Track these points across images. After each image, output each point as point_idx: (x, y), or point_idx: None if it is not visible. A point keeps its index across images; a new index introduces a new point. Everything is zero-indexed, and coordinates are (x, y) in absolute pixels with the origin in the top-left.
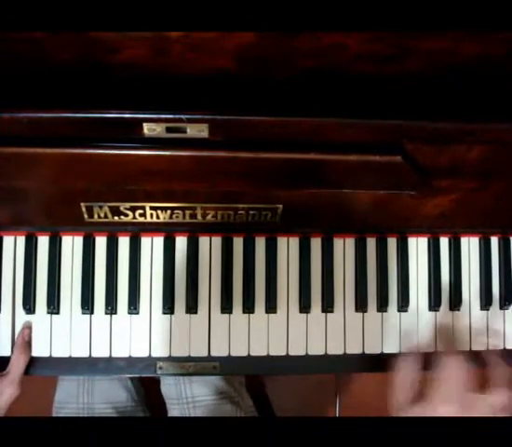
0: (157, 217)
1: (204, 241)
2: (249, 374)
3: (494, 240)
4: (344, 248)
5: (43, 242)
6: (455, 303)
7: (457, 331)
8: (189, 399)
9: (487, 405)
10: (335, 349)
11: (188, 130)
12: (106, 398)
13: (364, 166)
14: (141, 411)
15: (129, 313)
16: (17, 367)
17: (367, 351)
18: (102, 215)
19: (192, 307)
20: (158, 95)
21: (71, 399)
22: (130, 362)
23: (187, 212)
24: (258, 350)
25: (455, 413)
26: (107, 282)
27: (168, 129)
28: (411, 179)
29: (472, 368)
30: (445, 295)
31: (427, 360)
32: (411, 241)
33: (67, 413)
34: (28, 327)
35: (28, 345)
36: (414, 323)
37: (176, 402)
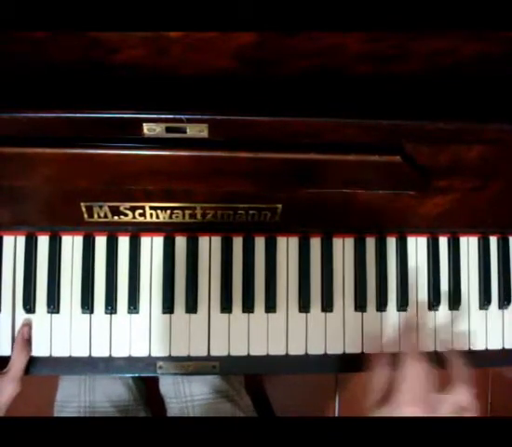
0: (157, 217)
1: (203, 241)
2: (248, 374)
3: (493, 240)
4: (344, 247)
5: (43, 242)
6: (454, 302)
7: (455, 331)
8: (187, 397)
9: (451, 405)
10: (335, 349)
11: (188, 130)
12: (107, 396)
13: (363, 166)
14: (143, 409)
15: (129, 312)
16: (17, 365)
17: (366, 351)
18: (102, 215)
19: (191, 307)
20: (158, 95)
21: (72, 398)
22: (130, 362)
23: (187, 212)
24: (257, 350)
25: (420, 414)
26: (107, 282)
27: (168, 129)
28: (411, 179)
29: (438, 368)
30: (444, 295)
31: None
32: (411, 241)
33: (68, 412)
34: (27, 325)
35: (28, 342)
36: (414, 323)
37: (175, 401)
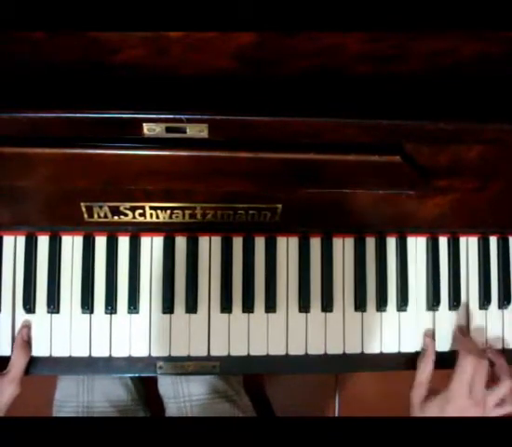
0: (157, 217)
1: (203, 241)
2: (248, 374)
3: (493, 240)
4: (344, 247)
5: (43, 242)
6: (454, 302)
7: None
8: (186, 397)
9: (495, 396)
10: (334, 349)
11: (188, 130)
12: (106, 396)
13: (363, 166)
14: (142, 409)
15: (129, 312)
16: (17, 366)
17: (366, 351)
18: (102, 215)
19: (191, 307)
20: (158, 95)
21: (71, 398)
22: (130, 362)
23: (187, 212)
24: (257, 350)
25: (470, 407)
26: (107, 282)
27: (168, 129)
28: (411, 179)
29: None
30: (444, 295)
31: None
32: (411, 241)
33: (67, 412)
34: (27, 326)
35: (27, 344)
36: (414, 323)
37: (173, 401)
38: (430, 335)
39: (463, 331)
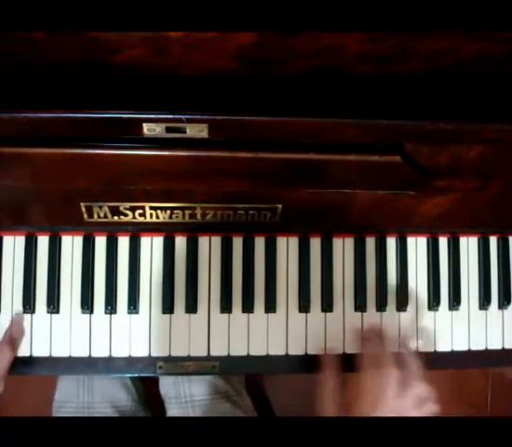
0: (157, 217)
1: (203, 241)
2: (248, 374)
3: (493, 240)
4: (344, 247)
5: (43, 242)
6: (454, 302)
7: (455, 331)
8: (187, 398)
9: (411, 398)
10: (335, 349)
11: (188, 130)
12: (106, 397)
13: (363, 166)
14: (142, 410)
15: (129, 313)
16: (1, 361)
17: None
18: (102, 215)
19: (191, 307)
20: (158, 95)
21: (71, 398)
22: (130, 362)
23: (187, 212)
24: (257, 350)
25: (388, 413)
26: (107, 282)
27: (168, 129)
28: (411, 179)
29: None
30: (444, 295)
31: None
32: (411, 241)
33: (67, 412)
34: (17, 323)
35: (14, 341)
36: (414, 323)
37: (175, 401)
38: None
39: (373, 332)
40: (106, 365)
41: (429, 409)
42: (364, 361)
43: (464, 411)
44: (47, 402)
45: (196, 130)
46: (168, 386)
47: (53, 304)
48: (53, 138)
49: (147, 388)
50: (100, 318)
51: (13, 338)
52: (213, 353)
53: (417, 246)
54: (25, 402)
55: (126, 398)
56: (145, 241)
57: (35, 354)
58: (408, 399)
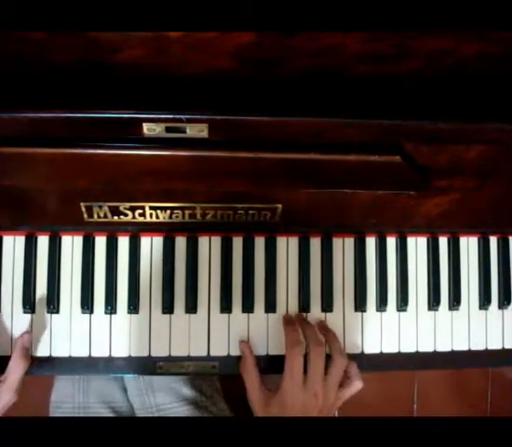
0: (157, 217)
1: (203, 241)
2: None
3: (493, 240)
4: (344, 247)
5: (43, 242)
6: (454, 302)
7: (455, 331)
8: (153, 408)
9: (335, 380)
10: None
11: (188, 130)
12: (101, 397)
13: (363, 166)
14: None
15: (129, 313)
16: (15, 373)
17: (366, 351)
18: (102, 215)
19: (191, 307)
20: (158, 95)
21: (66, 399)
22: (130, 362)
23: (187, 212)
24: (257, 350)
25: (310, 399)
26: (107, 282)
27: (168, 129)
28: (410, 179)
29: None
30: (444, 295)
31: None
32: (411, 241)
33: (63, 413)
34: (27, 332)
35: (27, 350)
36: (414, 323)
37: (142, 412)
38: (245, 340)
39: (290, 319)
40: (106, 365)
41: (355, 387)
42: (286, 342)
43: (464, 411)
44: (45, 403)
45: (196, 130)
46: (133, 397)
47: (53, 304)
48: (53, 138)
49: None
50: (100, 318)
51: (26, 349)
52: (213, 353)
53: (417, 246)
54: (23, 403)
55: (121, 398)
56: (145, 241)
57: (35, 354)
58: (332, 380)
